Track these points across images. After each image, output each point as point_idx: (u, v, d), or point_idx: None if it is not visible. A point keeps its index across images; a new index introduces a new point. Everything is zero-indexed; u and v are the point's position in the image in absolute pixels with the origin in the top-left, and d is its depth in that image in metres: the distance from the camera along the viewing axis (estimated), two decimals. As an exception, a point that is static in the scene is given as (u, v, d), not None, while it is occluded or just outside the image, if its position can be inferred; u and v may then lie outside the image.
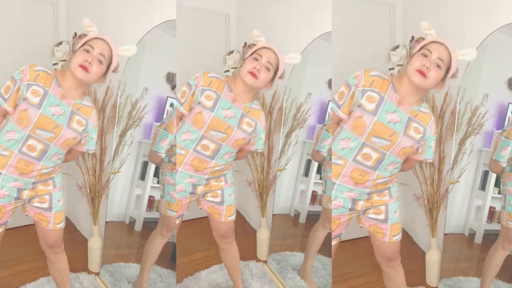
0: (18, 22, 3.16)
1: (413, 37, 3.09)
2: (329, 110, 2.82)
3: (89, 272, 2.96)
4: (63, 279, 2.51)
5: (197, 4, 3.36)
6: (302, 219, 3.02)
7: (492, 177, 2.67)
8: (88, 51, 2.20)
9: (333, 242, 2.30)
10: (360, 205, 2.24)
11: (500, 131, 2.61)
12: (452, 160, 2.72)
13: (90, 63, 2.18)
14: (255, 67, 2.34)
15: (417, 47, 2.17)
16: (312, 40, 2.86)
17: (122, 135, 2.85)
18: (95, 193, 3.03)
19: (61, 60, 3.17)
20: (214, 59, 3.37)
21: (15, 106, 2.18)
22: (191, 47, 3.25)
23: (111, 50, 2.25)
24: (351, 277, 2.91)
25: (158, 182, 2.81)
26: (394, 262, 2.33)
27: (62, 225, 2.38)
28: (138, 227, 2.90)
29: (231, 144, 2.40)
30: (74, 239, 3.34)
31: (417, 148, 2.19)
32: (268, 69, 2.35)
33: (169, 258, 2.78)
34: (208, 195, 2.50)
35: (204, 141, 2.37)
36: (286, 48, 3.09)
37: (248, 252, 3.14)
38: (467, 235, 2.78)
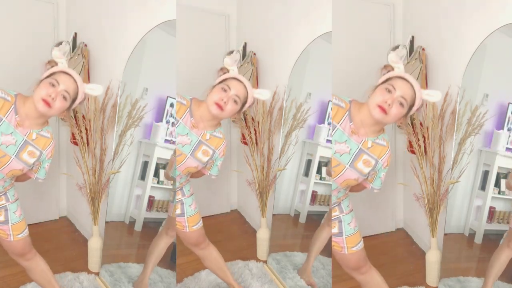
0: (18, 22, 3.16)
1: (413, 37, 3.10)
2: (329, 110, 2.81)
3: (89, 272, 2.96)
4: (47, 279, 2.51)
5: (197, 4, 3.36)
6: (302, 219, 3.02)
7: (492, 177, 2.67)
8: (53, 85, 2.14)
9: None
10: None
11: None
12: (452, 160, 2.72)
13: (53, 98, 2.12)
14: (222, 99, 2.30)
15: (382, 78, 2.11)
16: (312, 40, 2.85)
17: (122, 135, 2.84)
18: (95, 193, 3.03)
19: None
20: (214, 59, 3.38)
21: None
22: (191, 47, 3.25)
23: (77, 87, 2.19)
24: (351, 277, 2.91)
25: (158, 182, 2.81)
26: (362, 269, 2.34)
27: (24, 234, 2.37)
28: (138, 227, 2.90)
29: (181, 171, 2.43)
30: (74, 239, 3.34)
31: (367, 176, 2.19)
32: (235, 102, 2.32)
33: (169, 258, 2.78)
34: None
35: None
36: (286, 48, 3.10)
37: (248, 252, 3.14)
38: (467, 235, 2.78)
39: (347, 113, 2.11)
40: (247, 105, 2.35)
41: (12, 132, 2.16)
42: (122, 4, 2.98)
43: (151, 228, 2.82)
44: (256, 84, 3.22)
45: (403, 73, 2.11)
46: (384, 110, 2.03)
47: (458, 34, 2.84)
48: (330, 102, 2.80)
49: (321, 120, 2.86)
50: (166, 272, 2.79)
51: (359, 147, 2.11)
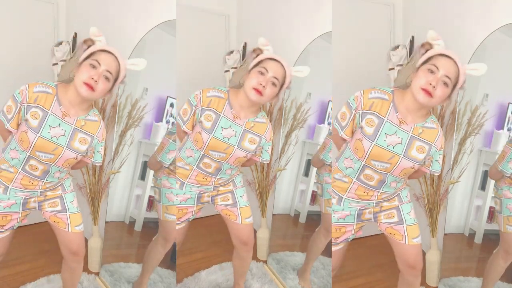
0: (18, 22, 3.16)
1: (413, 37, 3.10)
2: (329, 110, 2.82)
3: (89, 272, 2.96)
4: (73, 283, 2.48)
5: (197, 4, 3.36)
6: (302, 219, 3.02)
7: (492, 177, 2.67)
8: (94, 67, 2.08)
9: (337, 247, 2.25)
10: (368, 212, 2.19)
11: (508, 141, 2.57)
12: (452, 160, 2.72)
13: (96, 81, 2.06)
14: (261, 83, 2.20)
15: (423, 58, 2.04)
16: (312, 40, 2.85)
17: (122, 135, 2.85)
18: (95, 193, 3.03)
19: (61, 60, 3.18)
20: (214, 59, 3.38)
21: (18, 126, 2.14)
22: (191, 47, 3.25)
23: (119, 64, 2.12)
24: (351, 277, 2.91)
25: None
26: (417, 271, 2.24)
27: (81, 227, 2.32)
28: (138, 227, 2.90)
29: (232, 162, 2.34)
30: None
31: (424, 162, 2.12)
32: (274, 84, 2.22)
33: (169, 258, 2.78)
34: (218, 198, 2.46)
35: (206, 160, 2.33)
36: (286, 48, 3.10)
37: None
38: (467, 235, 2.78)
39: (391, 104, 2.06)
40: (285, 86, 2.26)
41: (59, 124, 2.11)
42: (122, 4, 2.98)
43: (151, 228, 2.82)
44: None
45: (445, 50, 2.03)
46: (429, 93, 1.96)
47: (458, 34, 2.84)
48: (330, 102, 2.81)
49: (321, 120, 2.86)
50: (166, 272, 2.79)
51: (409, 135, 2.05)
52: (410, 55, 3.07)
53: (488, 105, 2.65)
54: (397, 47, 3.13)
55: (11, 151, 2.15)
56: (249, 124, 2.31)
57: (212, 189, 2.43)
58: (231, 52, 3.36)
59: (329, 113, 2.82)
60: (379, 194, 2.15)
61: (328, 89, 2.78)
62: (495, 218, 2.49)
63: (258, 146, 2.35)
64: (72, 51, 3.15)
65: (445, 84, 1.96)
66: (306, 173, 2.97)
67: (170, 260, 2.73)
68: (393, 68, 3.13)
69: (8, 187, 2.17)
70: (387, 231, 2.22)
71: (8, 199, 2.19)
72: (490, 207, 2.68)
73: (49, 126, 2.10)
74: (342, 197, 2.16)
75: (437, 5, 3.02)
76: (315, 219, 2.88)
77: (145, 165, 2.86)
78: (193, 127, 2.33)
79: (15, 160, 2.14)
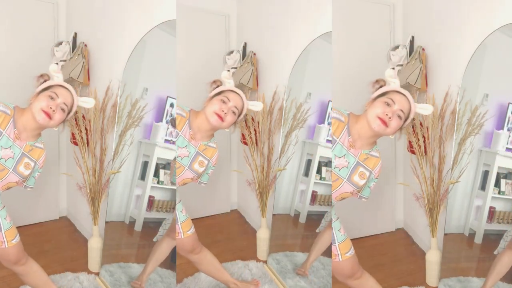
0: (18, 22, 3.16)
1: (413, 37, 3.10)
2: (329, 110, 2.81)
3: (89, 272, 2.96)
4: (43, 280, 2.51)
5: (197, 4, 3.36)
6: (302, 219, 3.02)
7: (492, 177, 2.67)
8: (52, 98, 2.23)
9: None
10: None
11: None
12: (452, 160, 2.71)
13: (54, 110, 2.22)
14: (223, 110, 2.40)
15: (379, 91, 2.20)
16: (312, 40, 2.85)
17: (122, 135, 2.84)
18: (95, 193, 3.03)
19: (61, 60, 3.18)
20: (214, 59, 3.38)
21: None
22: (191, 47, 3.25)
23: (73, 100, 2.30)
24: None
25: (158, 182, 2.81)
26: (356, 274, 2.36)
27: (17, 239, 2.38)
28: (138, 227, 2.89)
29: (178, 182, 2.48)
30: (74, 239, 3.34)
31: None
32: (234, 113, 2.42)
33: (169, 258, 2.77)
34: None
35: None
36: (286, 48, 3.10)
37: (248, 252, 3.14)
38: (467, 235, 2.78)
39: (346, 126, 2.19)
40: (241, 116, 2.47)
41: (11, 146, 2.22)
42: (122, 4, 2.98)
43: (151, 228, 2.82)
44: (256, 84, 3.22)
45: (400, 87, 2.22)
46: (384, 123, 2.12)
47: (458, 34, 2.84)
48: (330, 102, 2.80)
49: (321, 120, 2.86)
50: (166, 272, 2.79)
51: (356, 160, 2.19)
52: (410, 55, 3.07)
53: (488, 105, 2.64)
54: (397, 47, 3.13)
55: None
56: (201, 147, 2.47)
57: None
58: (231, 52, 3.36)
59: (329, 113, 2.82)
60: None
61: (328, 89, 2.78)
62: (496, 214, 2.47)
63: (204, 169, 2.50)
64: (72, 51, 3.15)
65: (399, 117, 2.14)
66: (306, 173, 2.97)
67: (170, 260, 2.73)
68: (393, 68, 3.13)
69: None
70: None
71: None
72: (490, 207, 2.68)
73: (1, 146, 2.20)
74: None
75: (437, 5, 3.02)
76: (315, 219, 2.88)
77: (145, 165, 2.86)
78: None
79: None
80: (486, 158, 2.69)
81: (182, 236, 2.57)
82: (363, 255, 3.04)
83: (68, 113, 2.29)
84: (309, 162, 2.95)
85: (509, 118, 2.63)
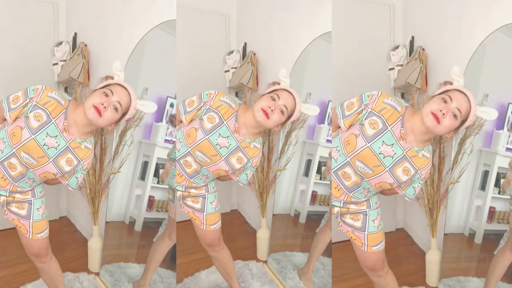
0: (18, 22, 3.16)
1: (413, 37, 3.11)
2: (329, 110, 2.81)
3: (89, 272, 2.96)
4: (55, 284, 2.50)
5: (197, 4, 3.36)
6: (302, 219, 3.02)
7: (492, 177, 2.67)
8: (107, 95, 2.12)
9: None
10: (336, 210, 2.24)
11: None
12: (452, 160, 2.72)
13: (105, 107, 2.10)
14: (270, 107, 2.24)
15: (441, 89, 2.08)
16: (312, 40, 2.85)
17: (122, 135, 2.84)
18: (95, 193, 3.03)
19: (61, 60, 3.18)
20: (214, 59, 3.38)
21: (16, 119, 2.14)
22: (191, 47, 3.25)
23: (130, 101, 2.17)
24: (351, 277, 2.91)
25: (158, 182, 2.81)
26: (379, 272, 2.30)
27: (43, 234, 2.33)
28: (138, 227, 2.90)
29: (211, 171, 2.37)
30: (74, 239, 3.34)
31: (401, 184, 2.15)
32: (282, 112, 2.25)
33: (169, 258, 2.78)
34: (188, 199, 2.48)
35: (188, 158, 2.36)
36: (286, 48, 3.10)
37: (248, 252, 3.14)
38: (467, 235, 2.78)
39: (400, 117, 2.09)
40: (292, 118, 2.30)
41: (57, 136, 2.14)
42: (122, 4, 2.98)
43: (151, 228, 2.83)
44: (256, 84, 3.22)
45: (462, 87, 2.07)
46: (437, 119, 1.99)
47: (458, 34, 2.84)
48: (330, 102, 2.80)
49: (321, 120, 2.86)
50: (166, 272, 2.79)
51: (403, 153, 2.09)
52: (410, 55, 3.07)
53: (488, 105, 2.64)
54: (397, 47, 3.13)
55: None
56: (244, 143, 2.34)
57: (184, 188, 2.46)
58: (231, 52, 3.37)
59: (329, 113, 2.82)
60: (346, 197, 2.20)
61: (328, 89, 2.78)
62: (496, 213, 2.47)
63: (242, 167, 2.38)
64: (72, 51, 3.16)
65: (455, 116, 2.00)
66: (306, 173, 2.97)
67: (170, 260, 2.73)
68: (393, 68, 3.14)
69: None
70: (349, 234, 2.28)
71: None
72: (490, 207, 2.68)
73: (47, 133, 2.12)
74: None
75: (437, 5, 3.02)
76: (315, 219, 2.88)
77: (145, 165, 2.86)
78: (191, 120, 2.35)
79: None
80: (486, 158, 2.69)
81: (204, 228, 2.50)
82: (363, 255, 3.04)
83: (123, 114, 2.15)
84: (309, 162, 2.95)
85: (509, 118, 2.63)
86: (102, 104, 2.09)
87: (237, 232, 3.50)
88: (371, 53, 3.15)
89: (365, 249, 2.24)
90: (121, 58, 2.84)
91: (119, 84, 2.17)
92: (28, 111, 2.11)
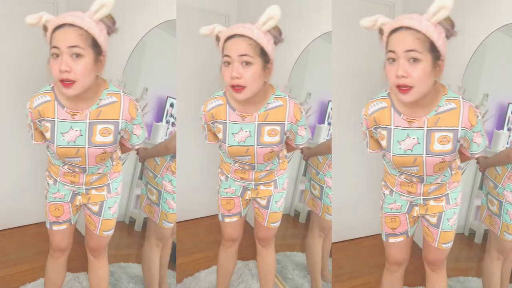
0: (18, 22, 3.16)
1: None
2: (329, 110, 2.82)
3: (89, 272, 2.96)
4: (99, 285, 2.41)
5: (197, 4, 3.36)
6: (302, 219, 3.02)
7: (492, 177, 2.67)
8: (57, 55, 1.77)
9: (396, 239, 2.16)
10: (416, 211, 2.08)
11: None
12: (452, 160, 2.71)
13: (67, 71, 1.75)
14: (232, 76, 1.91)
15: (384, 44, 1.78)
16: (312, 40, 2.86)
17: (122, 135, 2.84)
18: (95, 193, 3.03)
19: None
20: (214, 59, 3.37)
21: (43, 138, 2.04)
22: (191, 47, 3.25)
23: (86, 30, 1.79)
24: (351, 277, 2.91)
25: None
26: (435, 266, 2.20)
27: (109, 233, 2.27)
28: (138, 227, 2.90)
29: (261, 161, 2.16)
30: (74, 239, 3.33)
31: (454, 150, 1.86)
32: (247, 62, 1.92)
33: (169, 258, 2.78)
34: (257, 198, 2.34)
35: (237, 164, 2.23)
36: (286, 48, 3.10)
37: (248, 252, 3.14)
38: (467, 235, 2.78)
39: (391, 109, 1.86)
40: (270, 54, 2.08)
41: (71, 126, 1.92)
42: (122, 4, 2.98)
43: (151, 228, 2.82)
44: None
45: (390, 24, 1.75)
46: (404, 89, 1.68)
47: (458, 34, 2.84)
48: (330, 102, 2.81)
49: (321, 120, 2.87)
50: (166, 272, 2.79)
51: (425, 130, 1.81)
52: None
53: (488, 105, 2.64)
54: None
55: (50, 153, 2.11)
56: (262, 116, 2.07)
57: (254, 186, 2.28)
58: (231, 52, 3.35)
59: (329, 113, 2.82)
60: (422, 188, 2.00)
61: (328, 89, 2.78)
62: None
63: (287, 132, 2.12)
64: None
65: (415, 60, 1.67)
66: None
67: (170, 260, 2.73)
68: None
69: (57, 180, 2.13)
70: (424, 230, 2.14)
71: (58, 190, 2.14)
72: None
73: (61, 133, 1.94)
74: (393, 190, 2.08)
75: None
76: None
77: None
78: (215, 136, 2.22)
79: (56, 159, 2.09)
80: (486, 158, 2.69)
81: (265, 225, 2.39)
82: (363, 255, 3.04)
83: (96, 48, 1.84)
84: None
85: (509, 118, 2.63)
86: (60, 70, 1.75)
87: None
88: (371, 53, 3.15)
89: (435, 245, 2.09)
90: (121, 58, 2.85)
91: (57, 27, 1.83)
92: (40, 127, 2.00)
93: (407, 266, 2.33)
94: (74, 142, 1.94)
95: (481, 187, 2.73)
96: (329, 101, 2.82)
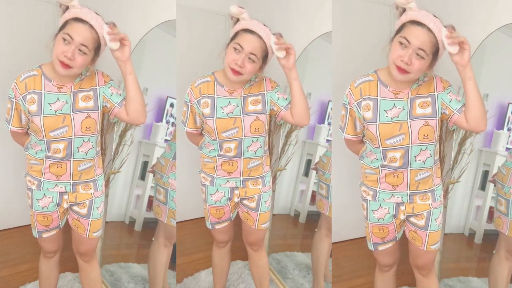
0: (18, 22, 3.16)
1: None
2: (329, 110, 2.82)
3: (89, 272, 2.96)
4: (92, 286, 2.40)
5: (197, 4, 3.36)
6: (302, 219, 3.02)
7: (492, 177, 2.68)
8: (67, 42, 1.97)
9: (388, 245, 2.21)
10: (402, 210, 2.10)
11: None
12: (452, 160, 2.71)
13: (70, 58, 1.97)
14: (236, 62, 2.10)
15: (397, 24, 1.93)
16: (312, 40, 2.86)
17: (122, 135, 2.84)
18: (95, 193, 3.03)
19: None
20: (214, 59, 3.37)
21: (22, 125, 2.14)
22: (191, 47, 3.25)
23: (96, 33, 2.01)
24: (351, 277, 2.91)
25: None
26: (425, 271, 2.21)
27: (98, 233, 2.27)
28: (138, 227, 2.90)
29: (249, 133, 2.23)
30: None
31: (437, 116, 2.00)
32: (253, 61, 2.11)
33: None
34: (245, 200, 2.36)
35: (225, 145, 2.24)
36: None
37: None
38: (467, 235, 2.78)
39: (378, 82, 2.02)
40: (270, 57, 2.21)
41: (58, 97, 2.08)
42: (122, 4, 2.98)
43: (151, 228, 2.82)
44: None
45: (416, 14, 1.89)
46: (403, 70, 1.89)
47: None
48: (330, 102, 2.81)
49: (321, 120, 2.87)
50: (167, 272, 2.79)
51: (408, 99, 1.99)
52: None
53: (488, 105, 2.64)
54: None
55: (33, 145, 2.15)
56: (247, 90, 2.24)
57: (242, 184, 2.30)
58: (231, 52, 3.35)
59: (329, 113, 2.82)
60: (409, 175, 2.04)
61: (328, 89, 2.78)
62: (495, 219, 2.47)
63: (269, 102, 2.26)
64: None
65: (421, 57, 1.88)
66: (306, 173, 2.97)
67: (170, 260, 2.73)
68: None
69: (41, 180, 2.15)
70: (410, 235, 2.16)
71: (44, 195, 2.16)
72: (490, 207, 2.68)
73: (48, 104, 2.07)
74: (376, 190, 2.10)
75: (437, 5, 3.02)
76: (315, 219, 2.88)
77: (145, 165, 2.86)
78: (195, 124, 2.30)
79: (39, 151, 2.13)
80: (486, 158, 2.69)
81: (255, 227, 2.39)
82: (363, 255, 3.04)
83: (97, 49, 2.05)
84: (309, 162, 2.95)
85: (509, 118, 2.63)
86: (65, 55, 1.96)
87: (237, 232, 3.50)
88: (371, 53, 3.15)
89: (424, 248, 2.12)
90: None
91: (76, 19, 1.99)
92: (25, 106, 2.09)
93: (407, 266, 2.33)
94: (61, 110, 2.08)
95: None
96: (329, 101, 2.82)
